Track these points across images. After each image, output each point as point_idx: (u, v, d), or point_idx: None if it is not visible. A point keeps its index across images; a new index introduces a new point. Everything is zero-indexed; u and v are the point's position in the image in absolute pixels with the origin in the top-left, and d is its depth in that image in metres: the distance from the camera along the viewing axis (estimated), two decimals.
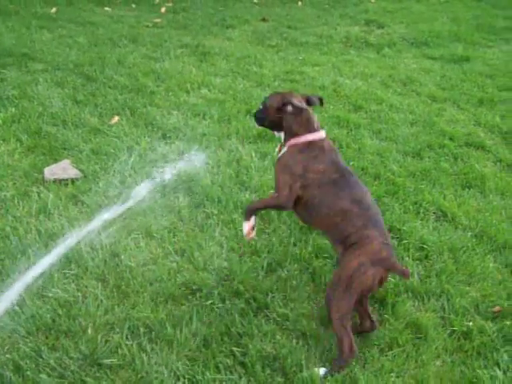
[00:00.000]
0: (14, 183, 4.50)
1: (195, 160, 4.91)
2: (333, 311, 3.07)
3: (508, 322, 3.43)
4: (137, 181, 4.60)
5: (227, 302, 3.45)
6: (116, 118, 5.62)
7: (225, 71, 7.12)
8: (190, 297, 3.49)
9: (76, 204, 4.32)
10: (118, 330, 3.23)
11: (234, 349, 3.14)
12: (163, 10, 10.06)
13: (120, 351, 3.09)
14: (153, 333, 3.22)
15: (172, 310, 3.38)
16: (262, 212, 4.22)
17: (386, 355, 3.19)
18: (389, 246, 3.19)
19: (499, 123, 5.98)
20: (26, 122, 5.39)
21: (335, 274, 3.17)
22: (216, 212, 4.27)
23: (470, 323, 3.41)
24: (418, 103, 6.45)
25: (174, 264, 3.74)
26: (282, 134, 3.48)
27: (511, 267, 3.93)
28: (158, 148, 5.09)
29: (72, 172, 4.64)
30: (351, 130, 5.67)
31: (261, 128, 5.31)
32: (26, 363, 2.98)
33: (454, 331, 3.38)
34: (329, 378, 2.99)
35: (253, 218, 3.36)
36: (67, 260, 3.71)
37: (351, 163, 4.90)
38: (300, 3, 10.96)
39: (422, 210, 4.44)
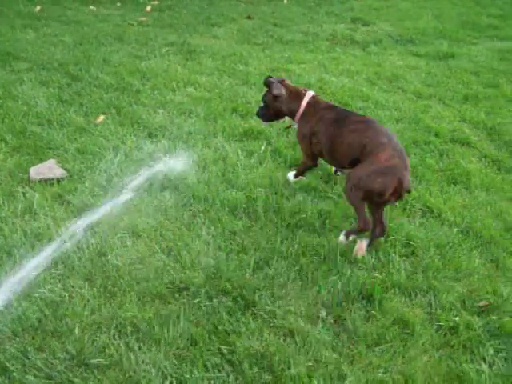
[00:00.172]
0: None
1: (181, 158, 4.90)
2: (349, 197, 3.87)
3: (494, 317, 3.46)
4: (123, 180, 4.58)
5: (214, 300, 3.45)
6: (101, 117, 5.59)
7: (210, 69, 7.11)
8: (177, 295, 3.49)
9: (62, 204, 4.30)
10: (105, 329, 3.22)
11: (222, 347, 3.14)
12: (149, 8, 10.03)
13: (107, 351, 3.09)
14: (140, 332, 3.21)
15: (159, 308, 3.38)
16: (250, 210, 4.27)
17: (374, 351, 3.20)
18: (401, 153, 3.77)
19: (484, 119, 6.01)
20: (10, 122, 5.36)
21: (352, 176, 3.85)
22: (202, 210, 4.26)
23: (457, 318, 3.43)
24: (403, 100, 6.47)
25: (161, 263, 3.73)
26: (287, 118, 4.54)
27: (497, 262, 3.95)
28: (144, 147, 5.07)
29: (58, 172, 4.62)
30: None
31: (247, 126, 5.38)
32: (13, 364, 2.97)
33: (440, 326, 3.40)
34: (316, 374, 3.00)
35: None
36: (53, 260, 3.69)
37: None
38: (286, 1, 10.96)
39: (408, 207, 4.46)
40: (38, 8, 9.57)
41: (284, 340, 3.22)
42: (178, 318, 3.30)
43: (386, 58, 7.99)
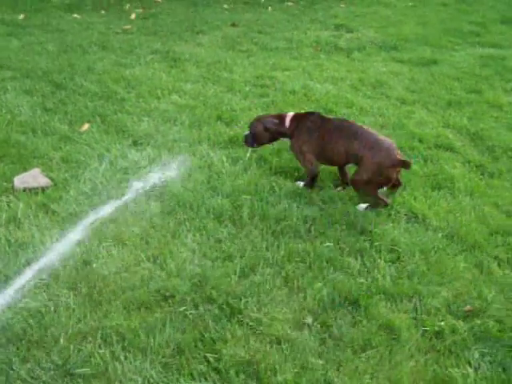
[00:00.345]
0: None
1: (166, 166, 4.90)
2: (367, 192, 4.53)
3: (479, 321, 3.47)
4: (108, 188, 4.57)
5: (200, 307, 3.44)
6: (86, 126, 5.58)
7: (195, 77, 7.12)
8: (162, 304, 3.48)
9: (47, 213, 4.27)
10: (90, 338, 3.20)
11: (208, 355, 3.13)
12: (133, 16, 10.01)
13: (93, 360, 3.07)
14: (126, 341, 3.19)
15: (145, 317, 3.37)
16: (235, 217, 4.29)
17: (360, 357, 3.21)
18: (390, 151, 4.43)
19: (467, 125, 6.05)
20: None
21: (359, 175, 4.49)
22: (188, 218, 4.26)
23: (442, 323, 3.45)
24: (387, 106, 6.51)
25: (147, 271, 3.72)
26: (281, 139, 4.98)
27: (481, 267, 3.98)
28: (129, 155, 5.06)
29: (42, 180, 4.60)
30: None
31: (232, 133, 5.40)
32: None
33: (426, 331, 3.41)
34: (303, 381, 3.00)
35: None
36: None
37: (322, 167, 4.93)
38: (270, 8, 11.00)
39: (393, 212, 4.48)
40: (22, 16, 9.53)
41: (270, 347, 3.21)
42: (163, 326, 3.29)
43: (369, 64, 8.03)
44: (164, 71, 7.23)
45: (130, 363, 3.06)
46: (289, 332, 3.32)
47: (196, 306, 3.45)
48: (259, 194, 4.57)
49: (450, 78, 7.47)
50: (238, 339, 3.24)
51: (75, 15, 9.92)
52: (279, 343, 3.25)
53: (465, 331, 3.40)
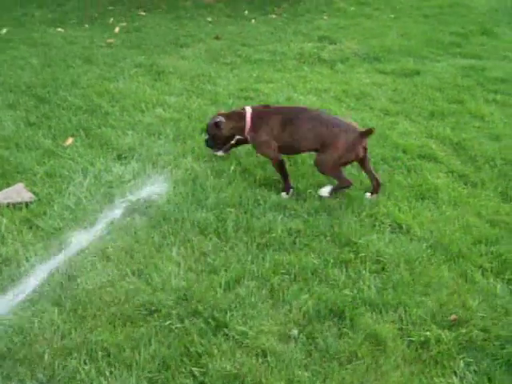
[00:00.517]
0: None
1: (151, 180, 4.90)
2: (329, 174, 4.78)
3: (464, 330, 3.49)
4: (92, 203, 4.55)
5: (186, 321, 3.44)
6: (70, 140, 5.56)
7: (179, 90, 7.12)
8: (148, 318, 3.47)
9: (30, 228, 4.26)
10: (75, 354, 3.19)
11: (194, 369, 3.13)
12: (117, 29, 10.01)
13: (78, 376, 3.06)
14: (111, 356, 3.18)
15: (130, 332, 3.35)
16: (220, 230, 4.29)
17: (347, 368, 3.22)
18: (352, 133, 4.61)
19: (450, 135, 6.10)
20: None
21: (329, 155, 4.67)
22: (173, 232, 4.25)
23: (428, 333, 3.46)
24: (371, 117, 6.54)
25: (132, 285, 3.71)
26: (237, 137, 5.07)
27: (465, 276, 4.00)
28: (114, 169, 5.05)
29: (26, 195, 4.58)
30: None
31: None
32: None
33: (412, 341, 3.42)
34: None
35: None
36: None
37: (306, 179, 4.95)
38: (253, 21, 11.04)
39: (377, 223, 4.50)
40: (5, 30, 9.51)
41: (256, 360, 3.22)
42: (149, 340, 3.29)
43: (353, 75, 8.08)
44: (148, 84, 7.23)
45: (116, 379, 3.04)
46: (275, 345, 3.32)
47: (181, 320, 3.45)
48: (244, 206, 4.57)
49: (433, 89, 7.53)
50: (223, 353, 3.24)
51: (59, 29, 9.90)
52: (265, 356, 3.25)
53: (450, 341, 3.41)
